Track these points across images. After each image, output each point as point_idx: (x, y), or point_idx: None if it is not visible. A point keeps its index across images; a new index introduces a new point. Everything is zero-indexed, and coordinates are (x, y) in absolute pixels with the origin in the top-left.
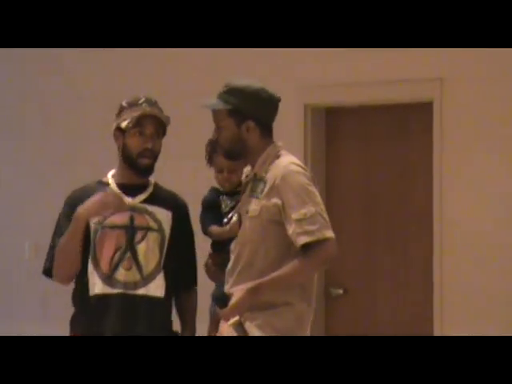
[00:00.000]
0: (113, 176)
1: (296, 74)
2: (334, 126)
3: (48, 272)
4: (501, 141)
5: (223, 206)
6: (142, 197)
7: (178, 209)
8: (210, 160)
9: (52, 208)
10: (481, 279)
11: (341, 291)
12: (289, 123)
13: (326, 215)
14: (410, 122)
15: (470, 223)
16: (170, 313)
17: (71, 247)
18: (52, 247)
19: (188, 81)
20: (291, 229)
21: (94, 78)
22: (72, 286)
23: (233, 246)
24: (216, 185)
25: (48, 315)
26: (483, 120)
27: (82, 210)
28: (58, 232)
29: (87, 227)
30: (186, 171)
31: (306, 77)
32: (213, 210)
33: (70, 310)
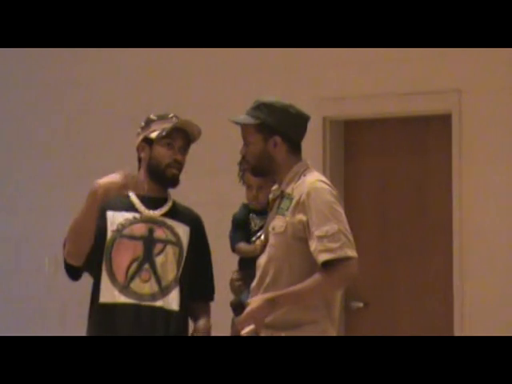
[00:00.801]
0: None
1: (314, 87)
2: (353, 139)
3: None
4: None
5: (252, 224)
6: (163, 210)
7: (195, 224)
8: (243, 177)
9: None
10: (502, 291)
11: (361, 304)
12: (307, 136)
13: (350, 234)
14: (429, 135)
15: (490, 235)
16: (186, 326)
17: (86, 223)
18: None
19: (206, 93)
20: (313, 246)
21: (115, 92)
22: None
23: (258, 262)
24: (246, 202)
25: (67, 329)
26: (502, 131)
27: (100, 184)
28: None
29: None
30: (200, 183)
31: (325, 89)
32: (242, 228)
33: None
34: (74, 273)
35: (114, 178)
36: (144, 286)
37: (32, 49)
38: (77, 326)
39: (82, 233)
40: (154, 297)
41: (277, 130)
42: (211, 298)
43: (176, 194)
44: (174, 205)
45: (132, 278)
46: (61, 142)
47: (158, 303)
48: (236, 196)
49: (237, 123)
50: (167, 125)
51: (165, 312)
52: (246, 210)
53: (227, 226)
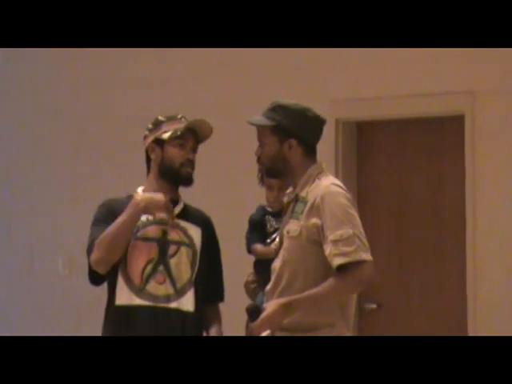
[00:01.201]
0: (144, 191)
1: (327, 89)
2: (366, 140)
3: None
4: None
5: (268, 226)
6: (175, 212)
7: (206, 225)
8: (262, 178)
9: (86, 224)
10: None
11: (374, 306)
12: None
13: (364, 238)
14: (442, 136)
15: (503, 236)
16: (201, 327)
17: (123, 234)
18: (91, 245)
19: (219, 94)
20: (328, 249)
21: (123, 94)
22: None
23: (273, 266)
24: (264, 203)
25: (82, 330)
26: None
27: (143, 198)
28: (96, 231)
29: None
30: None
31: (337, 91)
32: (258, 230)
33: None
34: (98, 279)
35: (157, 196)
36: (159, 287)
37: (42, 50)
38: (91, 327)
39: (118, 243)
40: (169, 298)
41: (292, 132)
42: (222, 299)
43: (184, 196)
44: (185, 206)
45: (147, 280)
46: (74, 146)
47: (173, 305)
48: (243, 198)
49: (252, 124)
50: (178, 125)
51: (180, 313)
52: (263, 211)
53: (236, 228)
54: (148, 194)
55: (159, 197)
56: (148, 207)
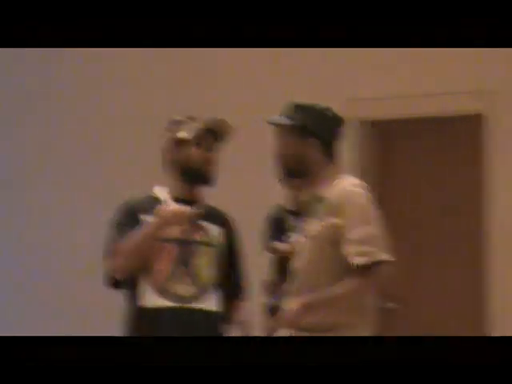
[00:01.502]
0: (168, 193)
1: (343, 88)
2: (382, 140)
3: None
4: None
5: (286, 224)
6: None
7: (227, 224)
8: (283, 178)
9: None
10: None
11: (394, 305)
12: None
13: (384, 238)
14: (459, 135)
15: None
16: (224, 327)
17: (147, 244)
18: (110, 249)
19: (234, 94)
20: (348, 249)
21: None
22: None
23: (292, 265)
24: (283, 202)
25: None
26: None
27: (171, 209)
28: (116, 234)
29: None
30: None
31: (354, 90)
32: (276, 228)
33: (114, 326)
34: (116, 284)
35: (184, 208)
36: (183, 288)
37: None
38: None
39: (140, 252)
40: (192, 299)
41: (312, 132)
42: (242, 299)
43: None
44: (207, 206)
45: (170, 281)
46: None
47: (197, 305)
48: (260, 197)
49: (272, 124)
50: (195, 124)
51: (204, 313)
52: (281, 209)
53: (253, 227)
54: (175, 206)
55: (185, 208)
56: (175, 218)
